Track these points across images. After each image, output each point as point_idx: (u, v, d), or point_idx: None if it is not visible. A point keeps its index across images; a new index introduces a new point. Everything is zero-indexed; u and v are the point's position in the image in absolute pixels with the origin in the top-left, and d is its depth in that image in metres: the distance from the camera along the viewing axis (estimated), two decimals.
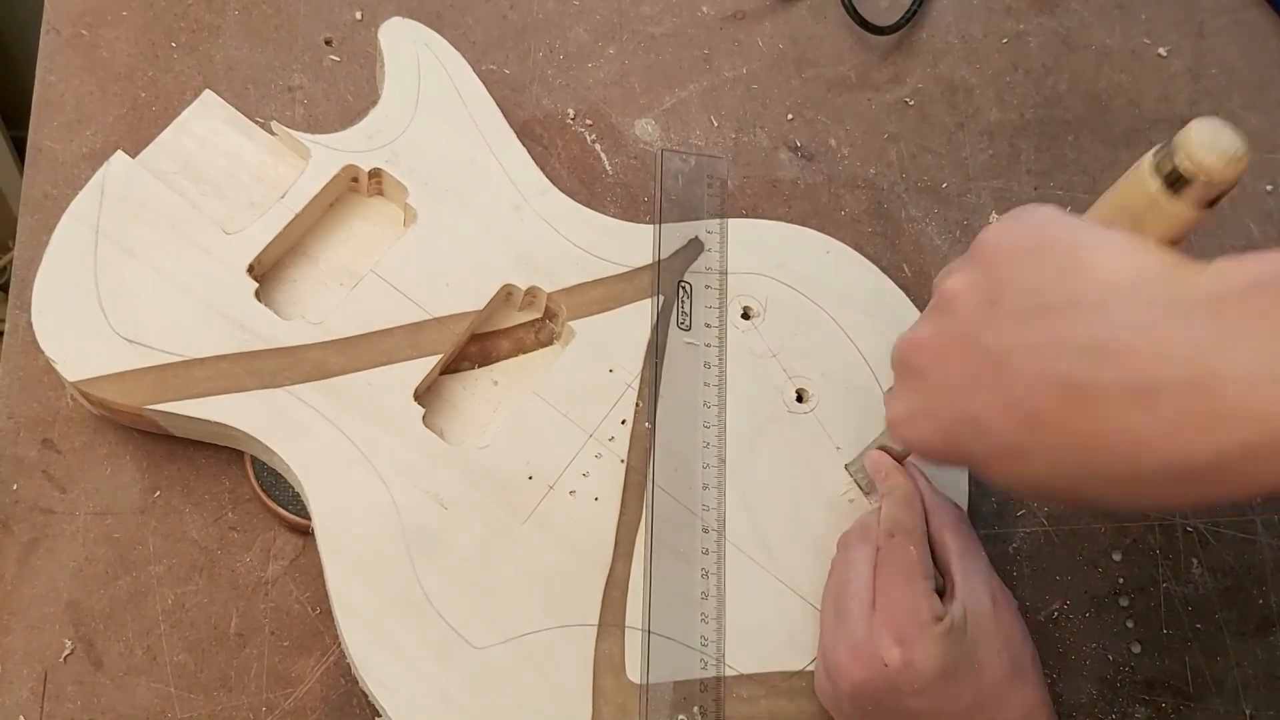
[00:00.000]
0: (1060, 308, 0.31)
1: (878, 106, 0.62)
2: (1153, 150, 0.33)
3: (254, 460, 0.50)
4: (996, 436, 0.32)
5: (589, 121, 0.60)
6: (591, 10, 0.62)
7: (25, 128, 0.56)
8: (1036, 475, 0.31)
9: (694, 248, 0.52)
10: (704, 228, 0.53)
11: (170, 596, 0.49)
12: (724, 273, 0.52)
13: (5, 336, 0.52)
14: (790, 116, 0.61)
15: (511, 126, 0.59)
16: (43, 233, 0.54)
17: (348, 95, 0.58)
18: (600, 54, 0.61)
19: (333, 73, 0.59)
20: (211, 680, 0.48)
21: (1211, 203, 0.33)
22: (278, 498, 0.49)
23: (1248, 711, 0.53)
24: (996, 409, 0.31)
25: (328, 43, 0.59)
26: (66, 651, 0.48)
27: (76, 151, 0.55)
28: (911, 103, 0.63)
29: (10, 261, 0.55)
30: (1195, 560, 0.55)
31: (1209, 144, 0.31)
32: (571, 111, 0.60)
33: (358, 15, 0.60)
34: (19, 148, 1.06)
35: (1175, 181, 0.32)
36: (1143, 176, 0.33)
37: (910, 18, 0.63)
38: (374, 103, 0.53)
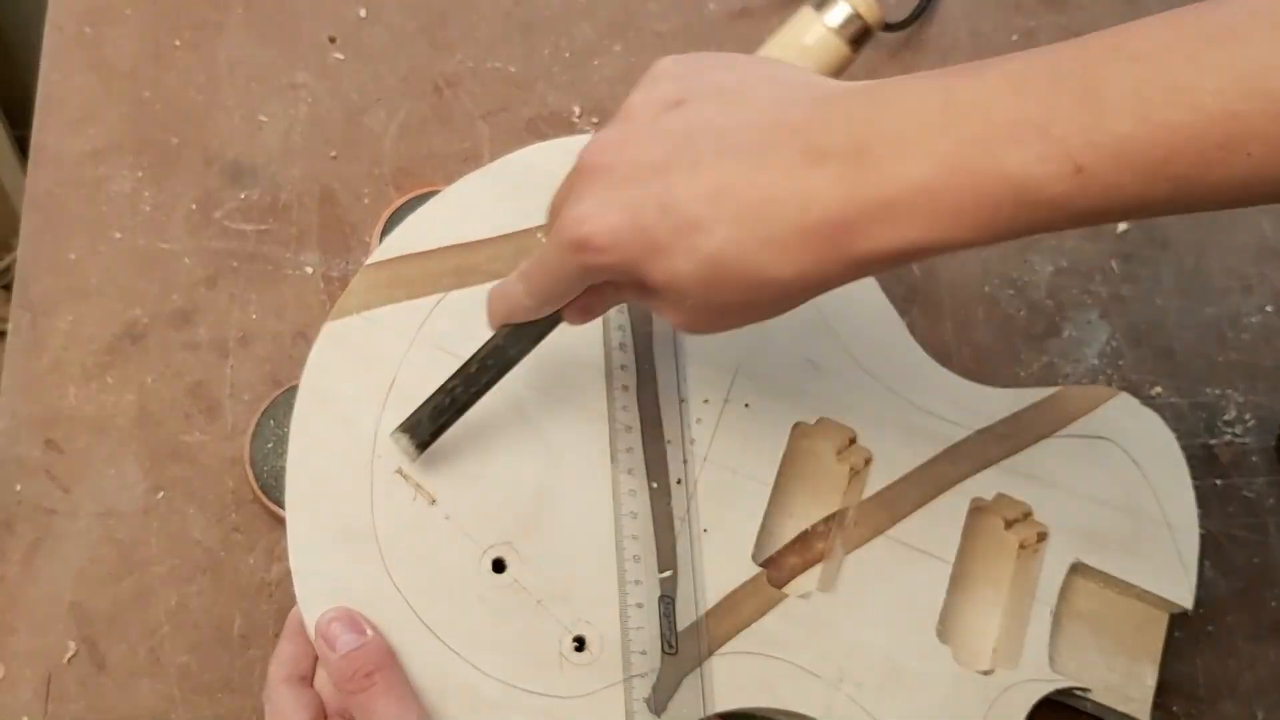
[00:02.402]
0: (740, 93, 0.34)
1: None
2: (812, 3, 0.41)
3: (254, 461, 0.49)
4: (682, 211, 0.33)
5: (595, 119, 0.59)
6: (597, 7, 0.62)
7: (29, 126, 0.56)
8: (713, 247, 0.33)
9: None
10: None
11: (173, 598, 0.49)
12: None
13: (8, 336, 0.52)
14: None
15: (517, 124, 0.59)
16: (46, 231, 0.53)
17: (351, 93, 0.58)
18: (606, 51, 0.61)
19: (337, 70, 0.58)
20: (215, 682, 0.48)
21: (859, 42, 0.41)
22: (278, 500, 0.48)
23: (1260, 715, 0.53)
24: (684, 183, 0.33)
25: (332, 40, 0.59)
26: (70, 653, 0.48)
27: (80, 150, 0.55)
28: None
29: (13, 261, 0.54)
30: (1207, 563, 0.55)
31: None
32: (577, 109, 0.59)
33: (361, 13, 0.60)
34: (22, 146, 1.07)
35: (845, 23, 0.40)
36: (809, 19, 0.40)
37: (919, 14, 0.62)
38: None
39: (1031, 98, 0.30)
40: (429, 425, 0.42)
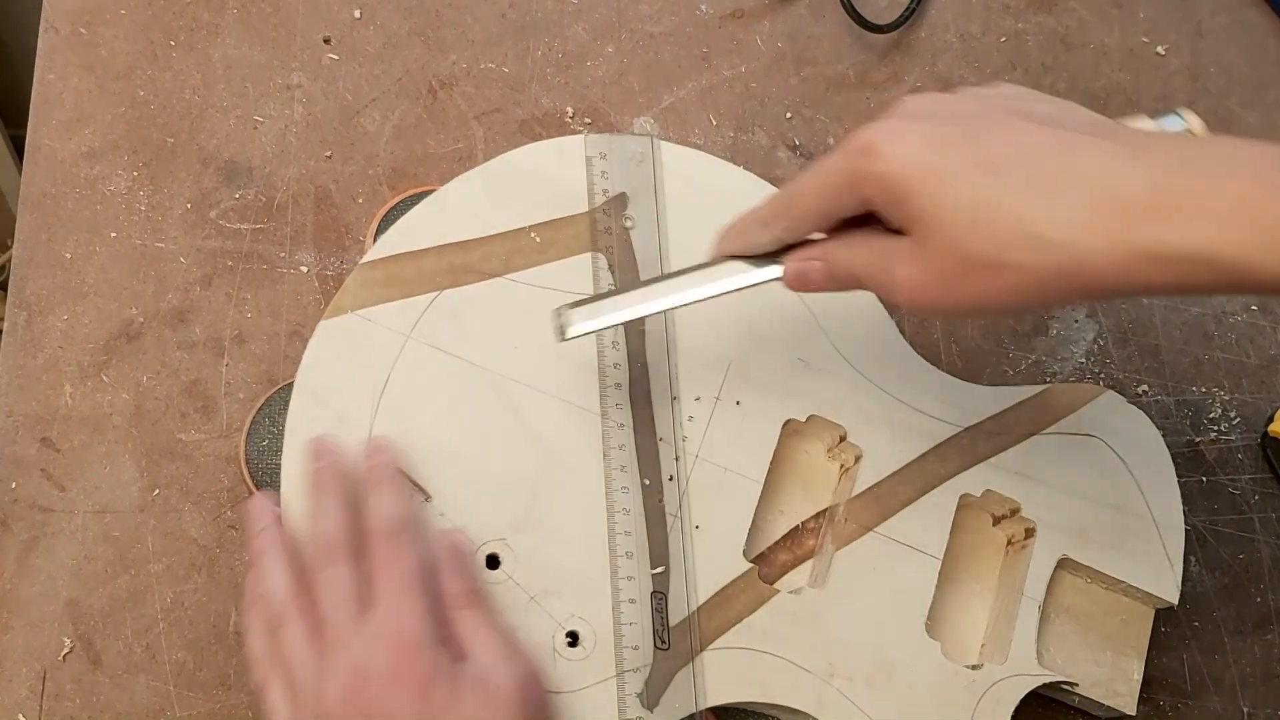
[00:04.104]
0: (1057, 110, 0.37)
1: (876, 105, 0.62)
2: (1149, 113, 0.42)
3: (249, 459, 0.50)
4: (986, 149, 0.34)
5: (588, 120, 0.60)
6: (590, 9, 0.62)
7: (24, 126, 0.56)
8: (999, 188, 0.33)
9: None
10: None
11: (169, 595, 0.49)
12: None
13: (4, 335, 0.52)
14: (789, 115, 0.61)
15: (510, 125, 0.59)
16: (41, 231, 0.54)
17: (346, 94, 0.58)
18: (599, 53, 0.61)
19: (331, 71, 0.59)
20: (210, 679, 0.48)
21: None
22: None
23: (1245, 709, 0.53)
24: (997, 133, 0.34)
25: (326, 41, 0.59)
26: (65, 650, 0.48)
27: (75, 150, 0.55)
28: None
29: (9, 260, 0.55)
30: (1193, 559, 0.55)
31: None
32: (570, 110, 0.60)
33: (356, 14, 0.60)
34: (18, 146, 1.07)
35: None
36: (1145, 127, 0.42)
37: (909, 16, 0.63)
38: None
39: None
40: (583, 304, 0.43)
